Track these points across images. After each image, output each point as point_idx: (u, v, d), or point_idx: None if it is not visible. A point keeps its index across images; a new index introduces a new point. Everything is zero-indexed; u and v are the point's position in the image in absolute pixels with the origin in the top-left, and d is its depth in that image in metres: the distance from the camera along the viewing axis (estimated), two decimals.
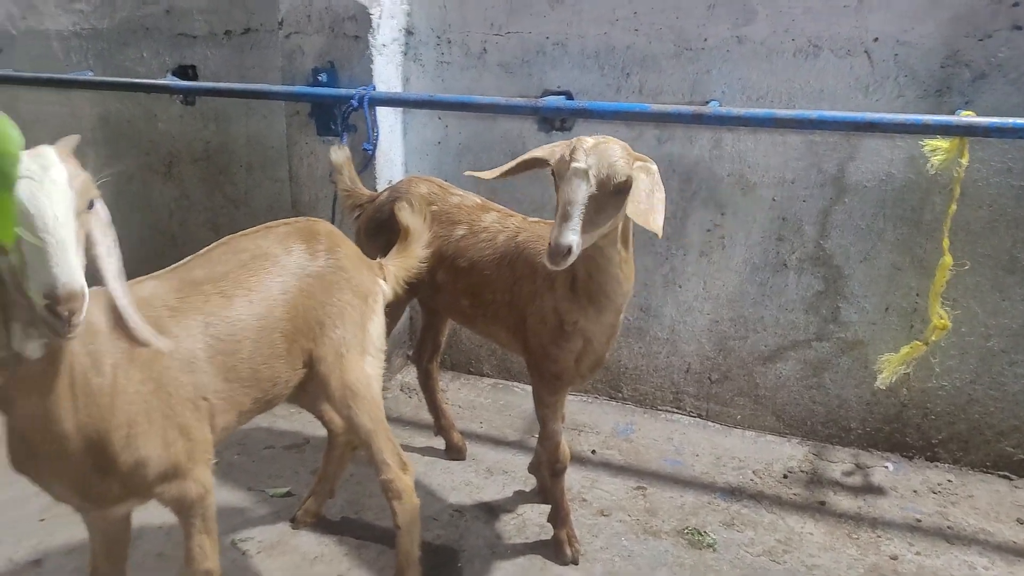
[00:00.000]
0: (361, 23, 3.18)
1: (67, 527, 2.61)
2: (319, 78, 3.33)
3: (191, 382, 1.76)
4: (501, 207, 2.61)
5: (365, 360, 2.16)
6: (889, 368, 2.77)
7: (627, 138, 3.16)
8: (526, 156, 2.09)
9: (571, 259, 1.80)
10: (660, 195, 1.90)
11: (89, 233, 1.44)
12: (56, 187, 1.32)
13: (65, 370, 1.46)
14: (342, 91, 3.18)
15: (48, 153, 1.35)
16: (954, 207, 2.54)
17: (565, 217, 1.80)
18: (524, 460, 3.02)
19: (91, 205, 1.43)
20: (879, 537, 2.66)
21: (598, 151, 1.85)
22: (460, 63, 3.37)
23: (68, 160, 1.39)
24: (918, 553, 2.58)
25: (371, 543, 2.58)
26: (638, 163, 1.93)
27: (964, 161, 2.48)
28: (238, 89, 3.50)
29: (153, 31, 3.99)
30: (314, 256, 2.10)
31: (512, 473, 2.99)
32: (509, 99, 3.04)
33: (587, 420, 3.40)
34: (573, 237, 1.78)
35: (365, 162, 3.26)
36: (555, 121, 3.28)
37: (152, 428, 1.65)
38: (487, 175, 2.17)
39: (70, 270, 1.28)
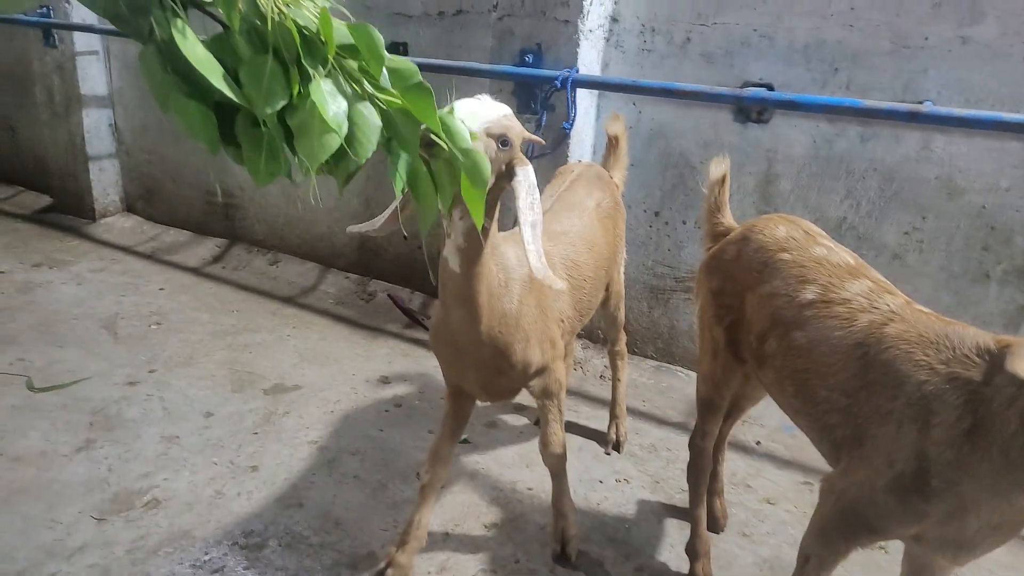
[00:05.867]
0: (573, 8, 3.35)
1: (277, 442, 2.98)
2: (525, 58, 3.53)
3: (558, 308, 2.31)
4: (882, 278, 1.89)
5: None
6: None
7: (829, 135, 3.20)
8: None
9: None
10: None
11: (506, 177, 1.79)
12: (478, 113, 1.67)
13: (484, 290, 1.92)
14: (548, 72, 3.36)
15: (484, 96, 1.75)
16: None
17: None
18: (685, 439, 3.07)
19: (504, 142, 1.71)
20: None
21: None
22: (661, 51, 3.46)
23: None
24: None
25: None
26: None
27: None
28: (449, 66, 3.75)
29: (373, 9, 4.34)
30: (604, 198, 2.69)
31: (674, 451, 3.07)
32: (712, 87, 3.11)
33: (752, 412, 3.42)
34: None
35: (560, 140, 3.44)
36: (751, 112, 3.32)
37: (536, 339, 2.17)
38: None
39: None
